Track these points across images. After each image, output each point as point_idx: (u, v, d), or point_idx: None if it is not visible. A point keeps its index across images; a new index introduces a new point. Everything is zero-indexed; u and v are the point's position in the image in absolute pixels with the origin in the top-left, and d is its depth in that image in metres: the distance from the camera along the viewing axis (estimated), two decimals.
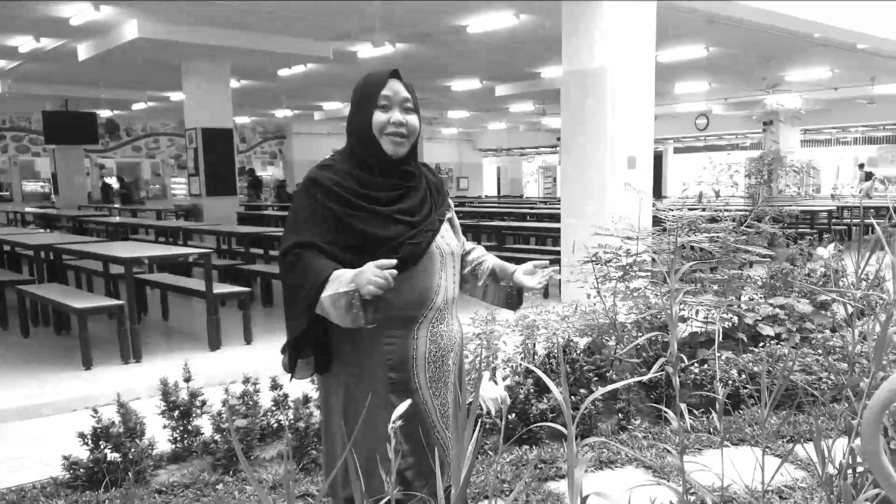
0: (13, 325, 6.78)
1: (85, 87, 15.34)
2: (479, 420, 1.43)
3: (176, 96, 16.11)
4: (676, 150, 27.97)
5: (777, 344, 4.13)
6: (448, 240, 1.95)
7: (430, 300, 1.87)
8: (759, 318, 4.34)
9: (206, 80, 11.97)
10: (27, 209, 16.84)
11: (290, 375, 1.90)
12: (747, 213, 4.96)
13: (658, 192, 21.61)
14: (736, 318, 4.51)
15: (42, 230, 12.79)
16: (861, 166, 23.10)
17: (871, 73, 15.15)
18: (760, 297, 4.68)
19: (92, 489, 3.19)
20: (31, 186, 22.34)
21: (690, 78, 15.72)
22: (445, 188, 2.06)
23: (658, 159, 23.64)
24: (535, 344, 4.50)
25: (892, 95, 17.78)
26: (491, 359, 4.32)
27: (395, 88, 1.83)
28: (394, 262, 1.66)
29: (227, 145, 12.42)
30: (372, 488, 1.77)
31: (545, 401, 3.74)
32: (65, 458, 3.24)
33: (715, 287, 4.31)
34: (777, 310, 4.49)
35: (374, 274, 1.62)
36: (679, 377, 3.33)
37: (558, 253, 8.26)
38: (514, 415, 3.75)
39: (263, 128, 25.86)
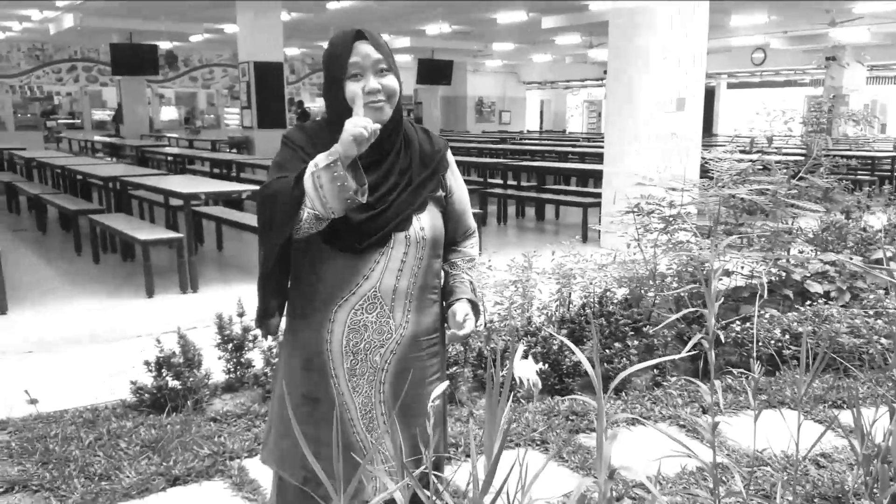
0: (86, 252, 7.14)
1: (147, 20, 15.70)
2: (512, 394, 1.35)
3: (230, 28, 16.36)
4: (730, 86, 26.84)
5: (826, 303, 3.96)
6: (420, 223, 1.70)
7: (355, 283, 1.66)
8: (808, 275, 4.15)
9: (258, 13, 12.02)
10: (96, 137, 17.76)
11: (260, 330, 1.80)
12: (802, 161, 4.72)
13: (708, 131, 20.92)
14: (783, 273, 4.33)
15: (109, 159, 13.34)
16: None
17: None
18: (811, 252, 4.48)
19: (156, 413, 3.39)
20: (98, 115, 23.54)
21: (748, 10, 14.96)
22: (444, 158, 1.80)
23: (709, 95, 22.81)
24: (570, 293, 4.40)
25: None
26: (526, 306, 4.24)
27: (363, 52, 1.62)
28: (378, 126, 1.54)
29: (277, 79, 12.70)
30: (277, 458, 1.78)
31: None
32: (132, 383, 3.45)
33: (763, 240, 4.13)
34: (827, 266, 4.29)
35: (354, 124, 1.51)
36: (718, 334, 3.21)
37: (599, 195, 8.07)
38: (546, 364, 3.69)
39: (312, 59, 25.73)
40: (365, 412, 1.72)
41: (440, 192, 1.77)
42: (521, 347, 1.48)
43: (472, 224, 1.93)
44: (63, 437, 3.11)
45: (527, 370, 1.43)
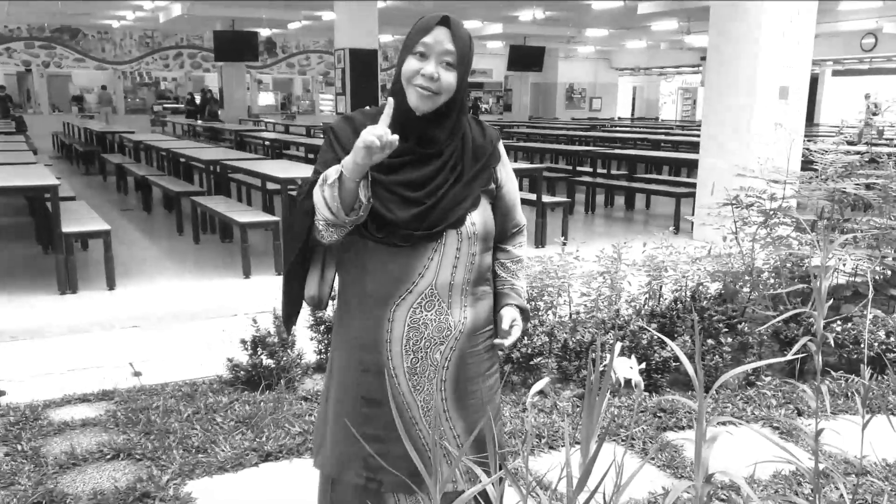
0: (187, 232, 7.49)
1: (249, 7, 16.27)
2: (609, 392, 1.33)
3: (328, 16, 16.71)
4: (835, 73, 25.42)
5: None
6: (471, 218, 1.66)
7: (412, 281, 1.63)
8: None
9: (355, 1, 12.28)
10: (199, 122, 18.56)
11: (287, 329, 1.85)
12: None
13: (810, 120, 19.94)
14: (888, 272, 4.10)
15: (210, 143, 13.93)
16: None
17: None
18: None
19: (250, 390, 3.52)
20: (199, 100, 24.26)
21: None
22: (496, 151, 1.75)
23: (813, 83, 21.69)
24: (661, 286, 4.30)
25: None
26: (614, 298, 4.17)
27: (438, 37, 1.57)
28: (395, 137, 1.49)
29: (371, 66, 12.88)
30: (336, 462, 1.76)
31: (668, 348, 3.58)
32: (229, 360, 3.59)
33: (871, 236, 3.92)
34: None
35: (368, 132, 1.47)
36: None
37: (693, 185, 7.84)
38: (633, 358, 3.62)
39: None
40: (427, 410, 1.69)
41: (491, 186, 1.73)
42: (619, 345, 1.46)
43: (522, 219, 1.87)
44: (164, 409, 3.26)
45: (628, 369, 1.40)
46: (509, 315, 1.74)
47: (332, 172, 1.53)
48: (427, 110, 1.60)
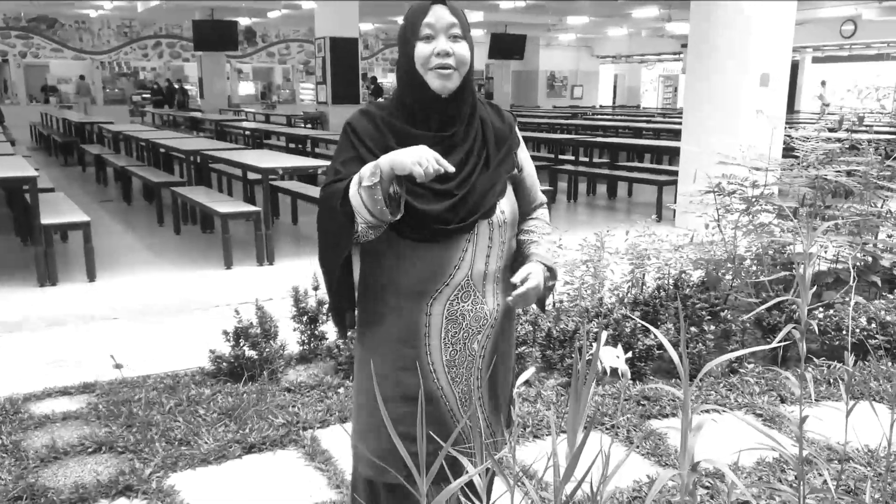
0: (168, 223, 7.44)
1: None
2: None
3: (307, 5, 16.55)
4: (815, 60, 25.49)
5: None
6: (500, 207, 1.64)
7: (448, 275, 1.61)
8: None
9: None
10: (168, 111, 18.56)
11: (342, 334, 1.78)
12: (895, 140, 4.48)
13: (791, 107, 20.04)
14: (869, 259, 4.14)
15: (190, 132, 13.81)
16: None
17: None
18: None
19: (232, 382, 3.50)
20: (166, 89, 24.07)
21: None
22: (515, 134, 1.73)
23: (793, 70, 21.79)
24: (644, 274, 4.31)
25: None
26: (597, 287, 4.18)
27: (438, 14, 1.56)
28: (451, 168, 1.48)
29: (352, 54, 12.82)
30: (379, 467, 1.66)
31: (652, 336, 3.59)
32: (211, 351, 3.56)
33: (851, 223, 3.95)
34: None
35: (419, 156, 1.44)
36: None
37: (675, 173, 7.87)
38: (617, 346, 3.63)
39: (386, 34, 25.87)
40: (465, 401, 1.68)
41: (514, 171, 1.72)
42: (605, 334, 1.45)
43: (542, 196, 1.87)
44: (146, 401, 3.24)
45: (614, 359, 1.40)
46: (526, 268, 1.67)
47: (367, 173, 1.49)
48: (453, 88, 1.58)
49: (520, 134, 1.79)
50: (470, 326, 1.65)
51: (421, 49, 1.56)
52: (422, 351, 1.65)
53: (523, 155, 1.78)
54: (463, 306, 1.64)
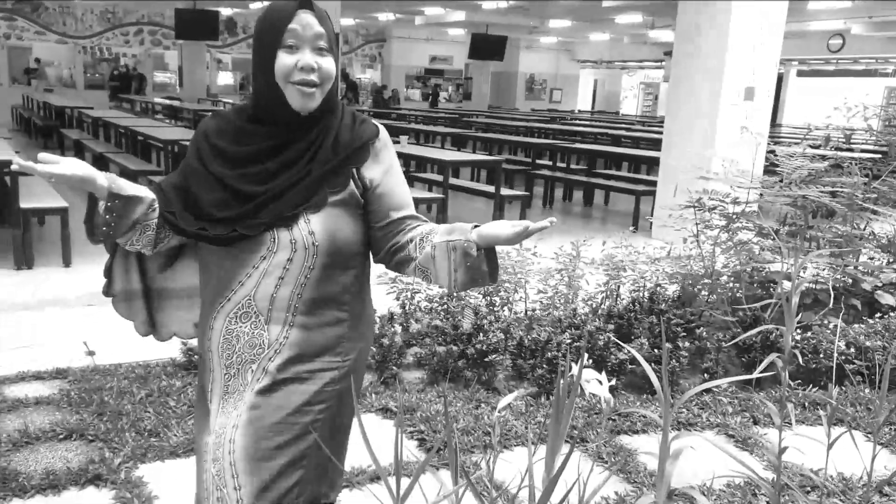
0: None
1: None
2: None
3: None
4: (800, 74, 25.47)
5: None
6: (309, 227, 1.44)
7: (231, 289, 1.46)
8: (880, 284, 3.89)
9: None
10: (156, 99, 18.58)
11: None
12: (881, 160, 4.42)
13: (774, 120, 20.10)
14: (850, 281, 4.08)
15: (169, 120, 13.92)
16: None
17: None
18: (884, 260, 4.19)
19: None
20: (160, 78, 24.49)
21: None
22: (363, 151, 1.51)
23: (777, 83, 21.79)
24: (619, 286, 4.22)
25: None
26: (570, 297, 4.07)
27: (305, 22, 1.41)
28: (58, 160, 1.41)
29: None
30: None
31: (625, 351, 3.49)
32: (183, 343, 3.51)
33: (833, 244, 3.88)
34: None
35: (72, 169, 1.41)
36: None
37: (653, 183, 7.80)
38: (591, 361, 3.52)
39: (366, 30, 25.67)
40: (219, 444, 1.46)
41: (348, 191, 1.48)
42: (585, 355, 1.35)
43: (413, 212, 1.59)
44: (117, 390, 3.24)
45: (597, 384, 1.30)
46: (502, 222, 1.46)
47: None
48: (314, 107, 1.44)
49: (386, 150, 1.56)
50: (244, 352, 1.47)
51: (283, 60, 1.42)
52: (207, 373, 1.55)
53: (382, 173, 1.53)
54: (241, 327, 1.47)
